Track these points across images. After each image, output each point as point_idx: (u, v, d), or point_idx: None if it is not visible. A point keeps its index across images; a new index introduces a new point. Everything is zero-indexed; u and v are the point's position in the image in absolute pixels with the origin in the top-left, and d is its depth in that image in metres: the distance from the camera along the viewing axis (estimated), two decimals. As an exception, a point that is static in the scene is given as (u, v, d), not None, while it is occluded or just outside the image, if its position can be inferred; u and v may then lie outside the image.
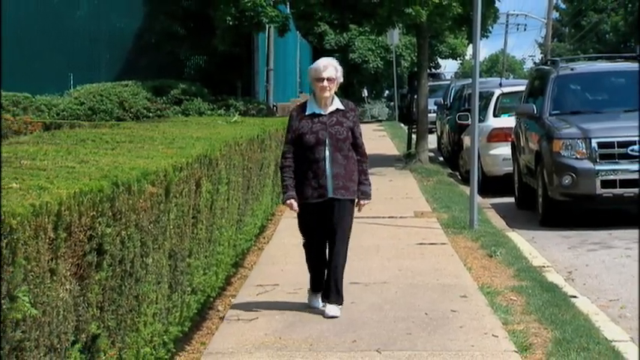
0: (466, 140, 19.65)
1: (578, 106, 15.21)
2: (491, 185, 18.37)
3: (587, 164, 13.51)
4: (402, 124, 40.36)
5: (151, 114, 21.04)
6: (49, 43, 24.30)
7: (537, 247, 12.21)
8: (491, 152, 18.69)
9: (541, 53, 71.04)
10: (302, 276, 8.65)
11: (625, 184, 13.38)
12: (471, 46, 30.05)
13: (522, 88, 18.52)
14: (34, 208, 3.91)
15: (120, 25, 24.86)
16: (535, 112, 15.15)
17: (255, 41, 24.90)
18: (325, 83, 8.05)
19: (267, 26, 23.31)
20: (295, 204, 8.00)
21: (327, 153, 7.99)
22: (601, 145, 13.55)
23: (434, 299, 8.59)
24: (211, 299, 8.29)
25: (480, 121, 17.09)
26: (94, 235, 4.64)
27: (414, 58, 47.63)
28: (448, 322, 7.76)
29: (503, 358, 6.79)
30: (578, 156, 13.58)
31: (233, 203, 9.13)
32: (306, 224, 8.14)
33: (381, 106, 56.70)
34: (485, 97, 19.90)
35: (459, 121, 21.57)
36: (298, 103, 8.95)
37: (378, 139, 32.68)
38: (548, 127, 14.38)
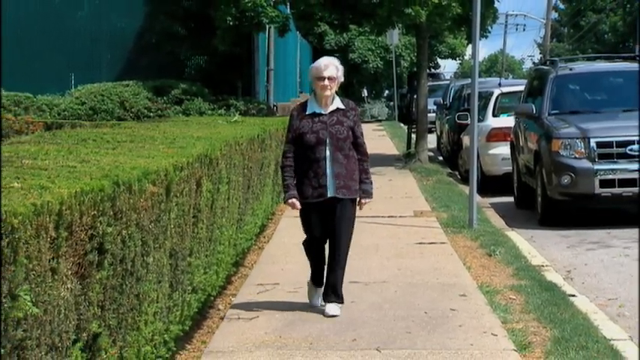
0: (465, 140, 19.66)
1: (577, 106, 15.23)
2: (490, 185, 18.39)
3: (585, 164, 13.53)
4: (402, 124, 40.37)
5: (151, 114, 21.08)
6: (50, 43, 24.34)
7: (536, 246, 12.23)
8: (491, 152, 18.70)
9: (540, 53, 71.07)
10: (302, 275, 8.66)
11: (624, 183, 13.40)
12: (470, 46, 30.08)
13: (521, 88, 18.54)
14: (35, 207, 3.92)
15: (121, 26, 24.89)
16: (534, 111, 15.17)
17: (255, 41, 24.92)
18: (326, 82, 8.03)
19: (267, 26, 23.34)
20: (297, 203, 8.00)
21: (328, 152, 7.98)
22: (600, 144, 13.57)
23: (433, 298, 8.61)
24: (212, 298, 8.31)
25: (480, 120, 17.12)
26: (95, 234, 4.64)
27: (413, 58, 47.66)
28: (447, 320, 7.77)
29: (503, 357, 6.79)
30: (577, 155, 13.61)
31: (233, 202, 9.14)
32: (307, 223, 8.13)
33: (380, 105, 56.71)
34: (485, 97, 19.92)
35: (458, 121, 21.58)
36: (299, 103, 8.94)
37: (378, 138, 32.68)
38: (547, 127, 14.40)
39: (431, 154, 25.70)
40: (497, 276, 9.79)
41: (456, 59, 65.77)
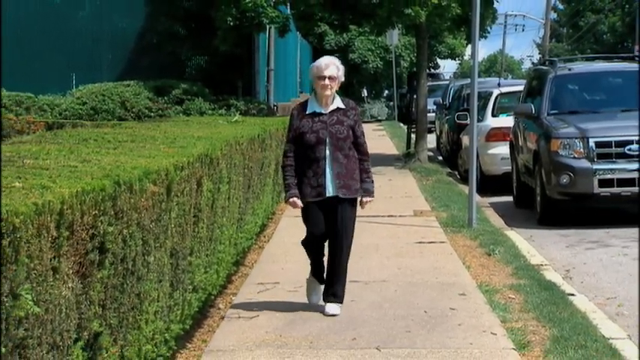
0: (465, 140, 19.67)
1: (576, 106, 15.26)
2: (489, 184, 18.41)
3: (584, 163, 13.55)
4: (402, 124, 40.38)
5: (152, 114, 21.09)
6: (51, 44, 24.35)
7: (535, 245, 12.25)
8: (490, 152, 18.72)
9: (539, 53, 71.10)
10: (302, 274, 8.67)
11: (622, 183, 13.43)
12: (469, 46, 30.06)
13: (520, 88, 18.57)
14: (36, 206, 3.92)
15: (122, 26, 24.90)
16: (533, 111, 15.20)
17: (255, 42, 24.93)
18: (327, 82, 8.02)
19: (267, 27, 23.35)
20: (298, 202, 7.99)
21: (328, 152, 7.97)
22: (598, 144, 13.60)
23: (433, 297, 8.62)
24: (212, 297, 8.33)
25: (479, 120, 17.14)
26: (96, 233, 4.65)
27: (413, 58, 47.69)
28: (447, 319, 7.79)
29: (502, 356, 6.81)
30: (576, 155, 13.63)
31: (234, 202, 9.14)
32: (308, 221, 8.11)
33: (380, 105, 56.69)
34: (484, 97, 19.94)
35: (457, 121, 21.59)
36: (299, 102, 8.95)
37: (378, 138, 32.68)
38: (546, 127, 14.42)
39: (430, 153, 25.71)
40: (496, 275, 9.81)
41: (455, 59, 65.78)
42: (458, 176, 21.54)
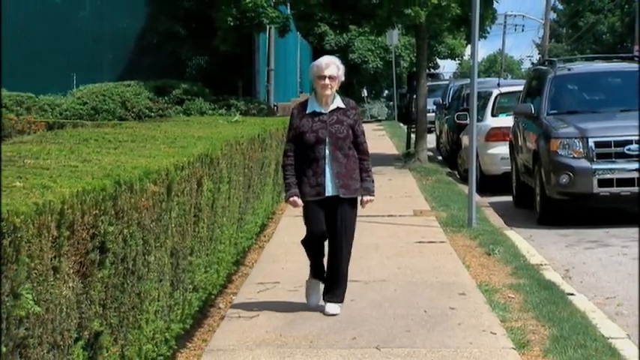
0: (465, 139, 19.69)
1: (576, 106, 15.28)
2: (489, 184, 18.42)
3: (584, 163, 13.57)
4: (401, 124, 40.41)
5: (153, 114, 21.12)
6: (52, 44, 24.41)
7: (535, 245, 12.26)
8: (490, 151, 18.73)
9: (539, 54, 71.16)
10: (302, 274, 8.68)
11: (622, 182, 13.44)
12: (469, 46, 30.09)
13: (520, 88, 18.59)
14: (37, 206, 3.92)
15: (122, 26, 24.94)
16: (533, 111, 15.21)
17: (256, 42, 24.97)
18: (327, 81, 8.00)
19: (267, 27, 23.38)
20: (298, 201, 7.99)
21: (327, 152, 7.97)
22: (598, 144, 13.61)
23: (433, 297, 8.64)
24: (213, 297, 8.34)
25: (479, 120, 17.15)
26: (97, 233, 4.65)
27: (413, 58, 47.72)
28: (447, 319, 7.80)
29: (501, 355, 6.82)
30: (576, 155, 13.65)
31: (234, 202, 9.15)
32: (308, 220, 8.09)
33: (380, 105, 56.73)
34: (484, 97, 19.96)
35: (457, 121, 21.60)
36: (299, 102, 8.94)
37: (378, 138, 32.70)
38: (546, 127, 14.44)
39: (430, 153, 25.73)
40: (496, 275, 9.83)
41: (455, 59, 65.82)
42: (457, 176, 21.56)
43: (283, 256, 10.72)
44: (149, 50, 24.76)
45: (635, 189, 13.35)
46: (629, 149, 13.47)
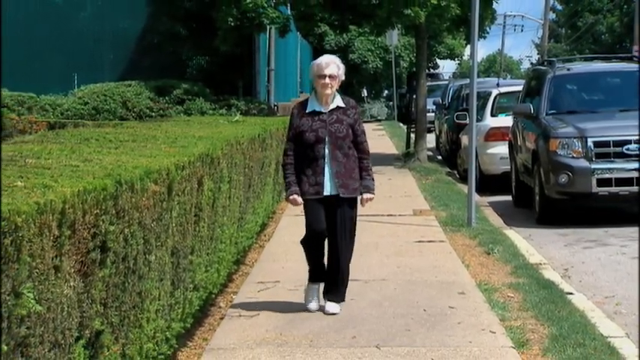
0: (464, 139, 19.71)
1: (575, 106, 15.30)
2: (488, 184, 18.44)
3: (583, 163, 13.59)
4: (401, 124, 40.42)
5: (153, 113, 21.14)
6: (53, 44, 24.44)
7: (534, 244, 12.28)
8: (489, 151, 18.75)
9: (538, 54, 71.15)
10: (302, 273, 8.69)
11: (620, 182, 13.47)
12: (468, 46, 30.09)
13: (519, 88, 18.61)
14: (38, 206, 3.93)
15: (123, 26, 24.97)
16: (532, 111, 15.24)
17: (256, 42, 24.99)
18: (327, 80, 8.00)
19: (268, 27, 23.40)
20: (298, 199, 8.00)
21: (327, 151, 7.97)
22: (597, 144, 13.63)
23: (432, 296, 8.66)
24: (213, 296, 8.35)
25: (478, 120, 17.17)
26: (98, 232, 4.66)
27: (412, 58, 47.72)
28: (446, 318, 7.82)
29: (501, 354, 6.84)
30: (575, 155, 13.67)
31: (234, 201, 9.16)
32: (308, 217, 8.09)
33: (380, 105, 56.71)
34: (483, 97, 19.98)
35: (457, 121, 21.61)
36: (300, 101, 8.94)
37: (378, 138, 32.70)
38: (545, 127, 14.46)
39: (430, 153, 25.75)
40: (495, 274, 9.85)
41: (454, 59, 65.76)
42: (457, 176, 21.58)
43: (283, 256, 10.73)
44: (150, 50, 24.78)
45: (634, 188, 13.38)
46: (627, 149, 13.50)
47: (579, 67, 17.08)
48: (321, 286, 8.27)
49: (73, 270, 4.36)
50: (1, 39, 19.30)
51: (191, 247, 6.97)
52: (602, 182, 13.51)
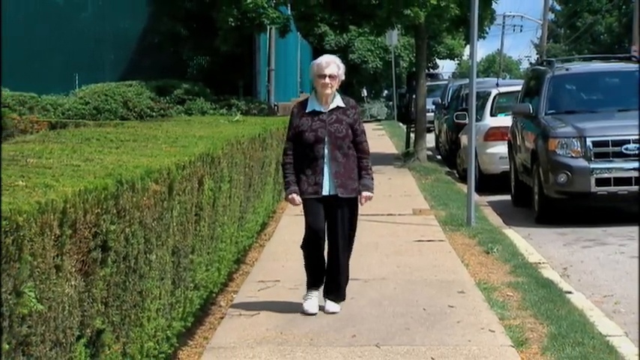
0: (464, 139, 19.72)
1: (574, 106, 15.31)
2: (488, 183, 18.45)
3: (582, 163, 13.61)
4: (401, 124, 40.44)
5: (154, 113, 21.15)
6: (54, 44, 24.48)
7: (533, 243, 12.29)
8: (488, 151, 18.77)
9: (537, 54, 71.04)
10: (302, 272, 8.65)
11: (619, 182, 13.49)
12: (468, 46, 30.09)
13: (519, 88, 18.62)
14: (39, 205, 3.94)
15: (124, 27, 25.00)
16: (531, 111, 15.26)
17: (256, 42, 25.00)
18: (327, 80, 7.99)
19: (268, 27, 23.41)
20: (297, 198, 8.01)
21: (326, 151, 7.96)
22: (596, 143, 13.65)
23: (432, 295, 8.68)
24: (213, 295, 8.37)
25: (477, 120, 17.19)
26: (99, 232, 4.67)
27: (412, 58, 47.72)
28: (446, 317, 7.84)
29: (500, 353, 6.85)
30: (574, 154, 13.69)
31: (235, 201, 9.17)
32: (307, 216, 8.08)
33: (380, 105, 56.72)
34: (483, 97, 20.00)
35: (456, 120, 21.63)
36: (300, 100, 8.94)
37: (377, 138, 32.71)
38: (544, 126, 14.48)
39: (429, 153, 25.76)
40: (494, 273, 9.86)
41: (454, 59, 65.77)
42: (456, 175, 21.60)
43: (284, 255, 10.75)
44: (151, 50, 24.81)
45: (633, 188, 13.40)
46: (626, 148, 13.52)
47: (578, 67, 17.10)
48: (320, 289, 8.25)
49: (74, 269, 4.37)
50: (0, 39, 19.36)
51: (192, 246, 6.98)
52: (600, 182, 13.53)
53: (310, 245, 8.13)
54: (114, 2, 25.09)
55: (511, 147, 16.87)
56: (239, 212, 9.57)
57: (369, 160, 8.22)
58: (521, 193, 15.87)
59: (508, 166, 17.10)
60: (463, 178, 19.02)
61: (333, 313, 8.01)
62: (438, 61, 64.33)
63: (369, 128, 32.43)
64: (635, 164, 13.39)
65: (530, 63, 72.81)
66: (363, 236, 11.34)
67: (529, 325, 7.70)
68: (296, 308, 8.16)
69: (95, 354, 4.71)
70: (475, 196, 13.68)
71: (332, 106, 8.10)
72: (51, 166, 5.24)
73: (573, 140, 13.73)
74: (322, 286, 8.25)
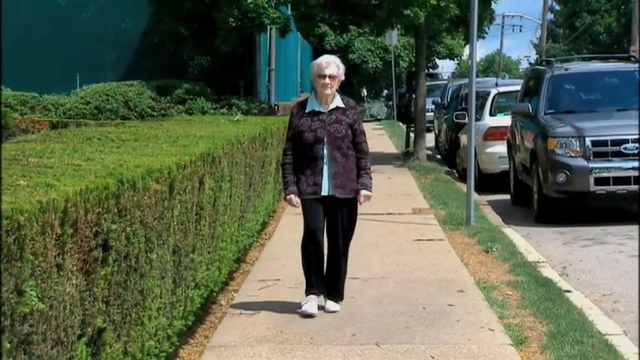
0: (463, 139, 19.75)
1: (573, 106, 15.33)
2: (487, 183, 18.46)
3: (581, 162, 13.63)
4: (401, 123, 40.46)
5: (155, 113, 21.17)
6: (56, 44, 24.51)
7: (532, 242, 12.30)
8: (488, 150, 18.79)
9: (536, 54, 71.00)
10: (302, 272, 8.74)
11: (618, 181, 13.51)
12: (467, 46, 30.12)
13: (518, 87, 18.64)
14: (41, 204, 3.95)
15: (125, 27, 25.02)
16: (530, 111, 15.28)
17: (257, 42, 25.02)
18: (327, 80, 7.98)
19: (268, 27, 23.43)
20: (295, 199, 8.00)
21: (326, 151, 7.95)
22: (595, 143, 13.67)
23: (431, 294, 8.69)
24: (214, 294, 8.38)
25: (477, 119, 17.20)
26: (100, 231, 4.68)
27: (412, 58, 47.74)
28: (445, 316, 7.85)
29: (499, 352, 6.86)
30: (573, 154, 13.71)
31: (235, 200, 9.18)
32: (306, 216, 8.08)
33: (379, 105, 56.75)
34: (482, 97, 20.01)
35: (456, 120, 21.64)
36: (299, 100, 8.95)
37: (377, 137, 32.71)
38: (543, 126, 14.50)
39: (429, 152, 25.77)
40: (494, 272, 9.87)
41: (453, 59, 65.72)
42: (456, 174, 21.61)
43: (284, 254, 10.76)
44: (151, 50, 24.83)
45: (632, 187, 13.42)
46: (625, 148, 13.55)
47: (577, 66, 17.12)
48: (319, 294, 8.20)
49: (75, 268, 4.37)
50: (0, 39, 19.40)
51: (192, 245, 6.99)
52: (599, 181, 13.55)
53: (309, 245, 8.11)
54: (115, 2, 25.12)
55: (510, 146, 16.90)
56: (239, 211, 9.57)
57: (367, 160, 8.20)
58: (521, 193, 15.89)
59: (507, 166, 17.12)
60: (463, 177, 19.04)
61: (334, 312, 8.02)
62: (437, 61, 64.36)
63: (368, 128, 32.45)
64: (634, 163, 13.41)
65: (530, 63, 72.89)
66: (363, 235, 11.36)
67: (528, 323, 7.71)
68: (296, 307, 8.15)
69: (96, 353, 4.72)
70: (474, 196, 13.70)
71: (332, 106, 8.10)
72: (52, 166, 5.24)
73: (572, 140, 13.75)
74: (321, 290, 8.20)
